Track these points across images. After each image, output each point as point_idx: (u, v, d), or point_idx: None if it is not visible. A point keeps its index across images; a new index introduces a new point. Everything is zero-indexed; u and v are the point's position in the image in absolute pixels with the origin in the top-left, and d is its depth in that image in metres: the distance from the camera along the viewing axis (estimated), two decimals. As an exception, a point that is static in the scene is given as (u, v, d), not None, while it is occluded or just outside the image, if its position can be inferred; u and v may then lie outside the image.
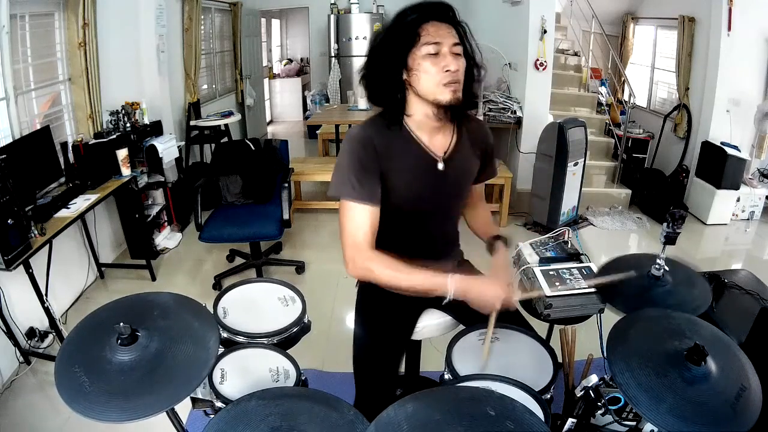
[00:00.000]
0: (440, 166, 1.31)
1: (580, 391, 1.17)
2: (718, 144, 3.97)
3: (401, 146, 1.28)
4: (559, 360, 1.47)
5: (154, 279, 3.15)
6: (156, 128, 3.49)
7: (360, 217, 1.22)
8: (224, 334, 1.37)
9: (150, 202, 3.54)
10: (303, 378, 1.27)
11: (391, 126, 1.27)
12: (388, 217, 1.31)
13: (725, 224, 4.10)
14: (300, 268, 3.27)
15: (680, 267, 1.40)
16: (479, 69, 1.27)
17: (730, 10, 3.80)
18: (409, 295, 1.22)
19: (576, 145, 3.61)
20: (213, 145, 4.14)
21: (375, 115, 1.30)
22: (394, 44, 1.19)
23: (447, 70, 1.17)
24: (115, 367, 0.95)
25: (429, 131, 1.30)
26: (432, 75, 1.18)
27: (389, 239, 1.33)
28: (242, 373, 1.27)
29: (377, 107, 1.29)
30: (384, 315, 1.43)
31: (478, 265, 1.63)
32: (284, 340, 1.40)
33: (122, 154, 2.88)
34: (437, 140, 1.31)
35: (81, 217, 2.53)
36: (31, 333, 2.42)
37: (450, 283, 1.17)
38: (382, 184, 1.26)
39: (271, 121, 8.09)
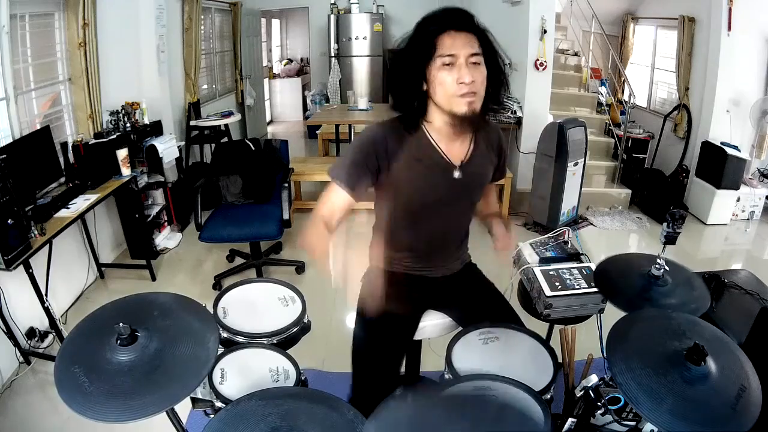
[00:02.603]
0: (456, 174, 1.32)
1: (580, 391, 1.17)
2: (718, 144, 3.96)
3: (418, 151, 1.29)
4: (559, 360, 1.47)
5: (154, 279, 3.14)
6: (156, 128, 3.48)
7: (336, 200, 1.29)
8: (224, 334, 1.37)
9: (150, 202, 3.53)
10: (303, 378, 1.28)
11: (410, 131, 1.29)
12: (399, 216, 1.34)
13: (725, 224, 4.09)
14: (300, 268, 3.26)
15: (678, 269, 1.40)
16: (502, 76, 1.26)
17: (730, 10, 3.80)
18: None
19: (576, 145, 3.61)
20: (213, 145, 4.14)
21: (397, 117, 1.31)
22: (412, 56, 1.20)
23: (461, 82, 1.16)
24: (115, 367, 0.95)
25: (447, 138, 1.31)
26: (447, 86, 1.18)
27: (399, 238, 1.35)
28: (242, 373, 1.27)
29: (398, 112, 1.30)
30: (386, 314, 1.43)
31: (484, 267, 1.63)
32: (284, 340, 1.40)
33: (122, 154, 2.88)
34: (455, 147, 1.32)
35: (81, 217, 2.52)
36: (31, 333, 2.42)
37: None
38: (391, 185, 1.29)
39: (271, 121, 8.09)
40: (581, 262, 1.65)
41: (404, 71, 1.22)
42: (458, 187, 1.34)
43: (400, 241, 1.39)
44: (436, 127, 1.29)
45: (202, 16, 4.67)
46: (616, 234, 3.94)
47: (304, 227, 1.27)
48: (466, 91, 1.17)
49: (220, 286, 3.04)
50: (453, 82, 1.17)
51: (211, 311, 1.36)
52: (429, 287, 1.49)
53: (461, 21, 1.19)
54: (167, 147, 3.39)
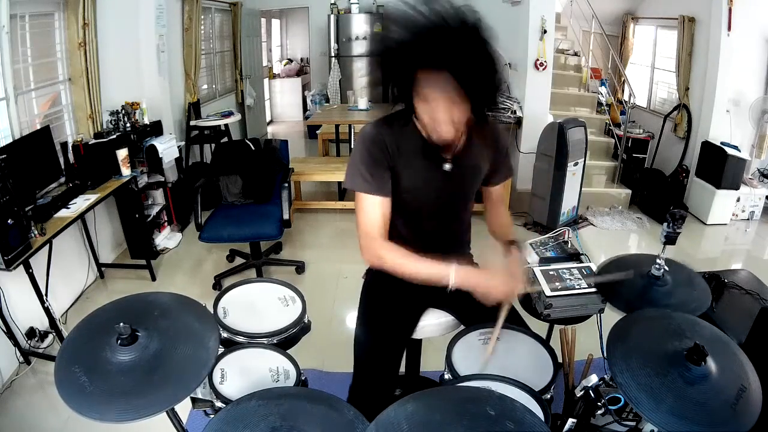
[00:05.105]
0: (447, 166, 1.32)
1: (580, 391, 1.17)
2: (718, 144, 3.96)
3: (410, 145, 1.30)
4: (559, 360, 1.47)
5: (154, 279, 3.14)
6: (156, 128, 3.48)
7: (372, 208, 1.28)
8: (224, 334, 1.37)
9: (150, 202, 3.53)
10: (303, 378, 1.28)
11: (401, 125, 1.30)
12: (395, 212, 1.34)
13: (725, 224, 4.09)
14: (300, 268, 3.27)
15: (679, 268, 1.40)
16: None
17: (730, 10, 3.80)
18: (416, 282, 1.25)
19: (576, 145, 3.61)
20: (213, 145, 4.14)
21: (387, 114, 1.32)
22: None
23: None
24: (115, 367, 0.95)
25: (437, 131, 1.29)
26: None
27: (398, 234, 1.36)
28: (242, 373, 1.27)
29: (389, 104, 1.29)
30: (387, 310, 1.44)
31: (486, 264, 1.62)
32: (284, 340, 1.40)
33: (122, 154, 2.88)
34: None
35: (81, 217, 2.52)
36: (31, 333, 2.42)
37: (452, 274, 1.20)
38: (391, 179, 1.30)
39: (271, 121, 8.09)
40: (581, 262, 1.64)
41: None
42: (450, 180, 1.34)
43: (399, 238, 1.40)
44: (426, 120, 1.27)
45: (202, 16, 4.67)
46: (616, 234, 3.94)
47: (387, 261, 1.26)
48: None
49: (220, 286, 3.04)
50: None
51: (211, 311, 1.36)
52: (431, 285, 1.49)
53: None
54: (167, 147, 3.39)
